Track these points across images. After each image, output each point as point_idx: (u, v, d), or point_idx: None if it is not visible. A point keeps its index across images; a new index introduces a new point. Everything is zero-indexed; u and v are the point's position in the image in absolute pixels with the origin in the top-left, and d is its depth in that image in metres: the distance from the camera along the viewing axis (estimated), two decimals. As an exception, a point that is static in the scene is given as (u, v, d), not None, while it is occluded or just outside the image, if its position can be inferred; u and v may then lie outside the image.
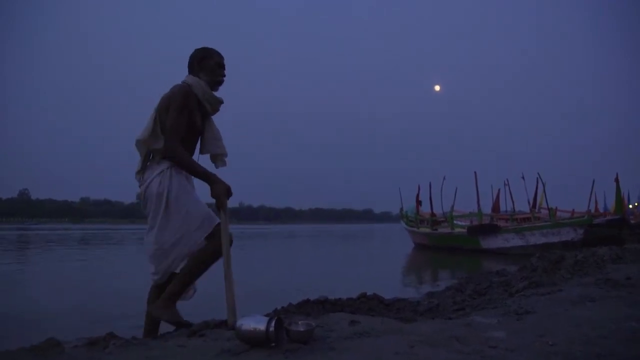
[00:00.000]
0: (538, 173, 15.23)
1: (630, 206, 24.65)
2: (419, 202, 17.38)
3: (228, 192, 2.31)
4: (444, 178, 16.10)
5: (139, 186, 2.39)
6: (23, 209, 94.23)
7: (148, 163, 2.39)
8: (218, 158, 2.56)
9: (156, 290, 2.40)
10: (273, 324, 1.64)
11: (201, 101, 2.41)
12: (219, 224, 2.29)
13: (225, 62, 2.54)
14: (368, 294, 3.29)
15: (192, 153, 2.47)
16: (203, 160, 2.46)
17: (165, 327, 2.35)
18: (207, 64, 2.45)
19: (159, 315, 2.26)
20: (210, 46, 2.54)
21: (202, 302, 2.72)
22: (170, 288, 2.28)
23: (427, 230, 15.79)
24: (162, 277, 2.36)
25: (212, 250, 2.29)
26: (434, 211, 16.53)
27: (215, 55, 2.49)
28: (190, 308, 2.51)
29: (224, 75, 2.51)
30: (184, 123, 2.32)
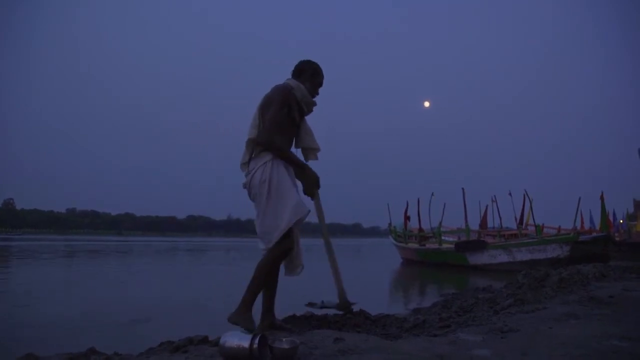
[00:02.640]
0: (525, 190, 15.38)
1: (621, 221, 24.96)
2: (407, 218, 17.43)
3: (317, 182, 2.66)
4: (432, 194, 16.22)
5: (245, 176, 2.60)
6: (7, 220, 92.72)
7: (253, 155, 2.58)
8: (310, 152, 2.82)
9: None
10: (257, 340, 1.63)
11: (299, 102, 2.66)
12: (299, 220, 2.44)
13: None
14: (354, 309, 3.28)
15: (290, 145, 2.73)
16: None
17: (148, 343, 2.31)
18: (315, 80, 2.76)
19: (236, 321, 2.35)
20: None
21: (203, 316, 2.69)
22: (244, 296, 2.42)
23: (415, 245, 15.82)
24: None
25: (272, 256, 2.44)
26: (422, 227, 16.60)
27: (322, 76, 2.80)
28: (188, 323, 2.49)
29: (317, 94, 2.80)
30: (283, 117, 2.57)
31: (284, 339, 1.82)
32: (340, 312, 3.02)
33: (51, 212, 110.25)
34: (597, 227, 16.58)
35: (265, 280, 2.48)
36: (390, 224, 18.58)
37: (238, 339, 1.64)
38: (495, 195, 16.19)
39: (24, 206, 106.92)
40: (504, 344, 2.01)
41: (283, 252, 2.44)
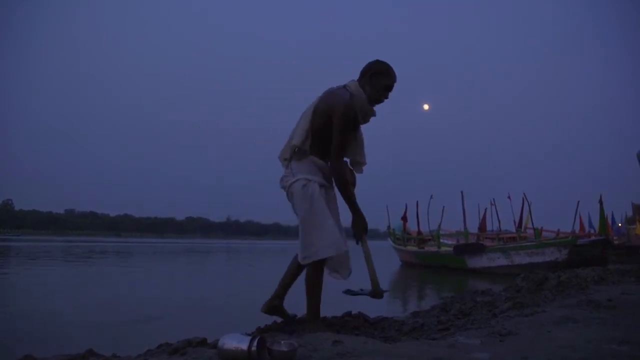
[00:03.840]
0: (524, 193, 15.39)
1: (620, 224, 24.96)
2: (405, 220, 17.43)
3: (366, 228, 2.60)
4: (432, 196, 16.22)
5: (285, 171, 2.59)
6: (6, 220, 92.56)
7: (294, 157, 2.55)
8: (357, 165, 2.74)
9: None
10: (255, 343, 1.63)
11: (357, 112, 2.52)
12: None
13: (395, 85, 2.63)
14: (353, 312, 3.28)
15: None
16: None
17: (147, 344, 2.31)
18: (378, 81, 2.53)
19: (314, 327, 2.47)
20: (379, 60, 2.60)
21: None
22: (308, 309, 2.59)
23: (414, 248, 15.83)
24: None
25: (312, 274, 2.54)
26: (421, 229, 16.59)
27: (389, 77, 2.56)
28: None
29: (387, 98, 2.61)
30: (348, 142, 2.52)
31: (282, 342, 1.82)
32: (331, 317, 3.05)
33: (50, 213, 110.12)
34: (596, 230, 16.58)
35: (317, 290, 2.58)
36: (389, 227, 18.59)
37: (237, 341, 1.64)
38: (494, 199, 16.20)
39: (22, 207, 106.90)
40: (503, 347, 2.01)
41: (318, 272, 2.54)
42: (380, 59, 2.59)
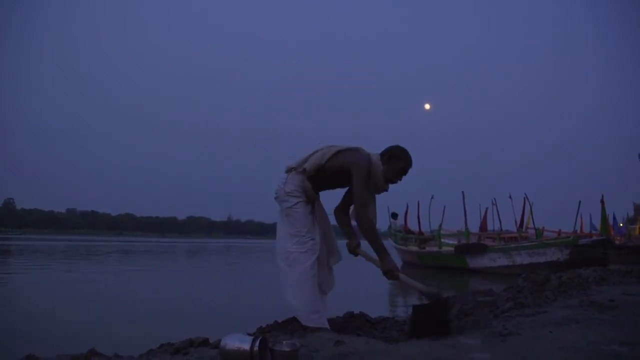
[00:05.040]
0: (525, 193, 15.38)
1: (621, 224, 24.95)
2: (399, 218, 17.46)
3: (395, 271, 2.74)
4: (432, 197, 16.23)
5: (281, 184, 2.89)
6: (7, 219, 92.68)
7: (293, 172, 2.88)
8: None
9: None
10: (257, 343, 1.63)
11: (371, 180, 2.76)
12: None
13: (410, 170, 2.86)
14: (355, 312, 3.28)
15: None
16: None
17: (149, 345, 2.32)
18: (396, 164, 2.78)
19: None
20: None
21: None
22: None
23: (415, 248, 15.82)
24: None
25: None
26: (422, 229, 16.59)
27: (405, 162, 2.80)
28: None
29: (400, 180, 2.84)
30: (369, 193, 2.77)
31: (284, 342, 1.82)
32: (333, 317, 3.08)
33: (51, 212, 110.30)
34: (598, 230, 16.57)
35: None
36: (390, 227, 18.59)
37: (239, 342, 1.65)
38: (495, 198, 16.19)
39: (24, 206, 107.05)
40: (504, 347, 2.01)
41: None
42: (401, 145, 2.86)
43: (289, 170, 2.93)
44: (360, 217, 2.70)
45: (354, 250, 2.97)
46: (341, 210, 3.06)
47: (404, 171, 2.82)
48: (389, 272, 2.70)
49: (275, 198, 2.94)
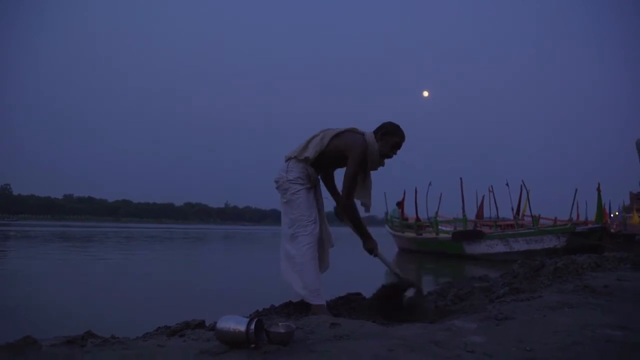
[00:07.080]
0: (522, 180, 15.41)
1: (617, 212, 25.10)
2: (402, 206, 17.47)
3: (376, 247, 2.98)
4: (430, 183, 16.23)
5: (283, 172, 2.95)
6: (4, 205, 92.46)
7: (294, 160, 2.93)
8: (365, 206, 3.06)
9: None
10: (253, 325, 1.63)
11: (368, 159, 2.86)
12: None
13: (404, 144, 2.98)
14: (351, 293, 3.31)
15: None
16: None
17: (146, 328, 2.32)
18: (389, 139, 2.89)
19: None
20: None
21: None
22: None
23: (412, 234, 15.87)
24: None
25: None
26: (419, 216, 16.62)
27: (399, 137, 2.92)
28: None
29: (395, 154, 2.95)
30: (358, 181, 2.87)
31: (280, 324, 1.83)
32: (330, 300, 3.11)
33: (48, 198, 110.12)
34: (593, 218, 16.66)
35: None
36: (387, 213, 18.63)
37: (235, 323, 1.65)
38: (492, 186, 16.22)
39: (21, 192, 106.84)
40: (499, 331, 2.03)
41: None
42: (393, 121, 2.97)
43: (289, 159, 2.99)
44: (345, 202, 2.88)
45: (372, 252, 3.04)
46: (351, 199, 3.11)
47: (398, 145, 2.93)
48: (371, 251, 2.97)
49: (277, 187, 2.99)
